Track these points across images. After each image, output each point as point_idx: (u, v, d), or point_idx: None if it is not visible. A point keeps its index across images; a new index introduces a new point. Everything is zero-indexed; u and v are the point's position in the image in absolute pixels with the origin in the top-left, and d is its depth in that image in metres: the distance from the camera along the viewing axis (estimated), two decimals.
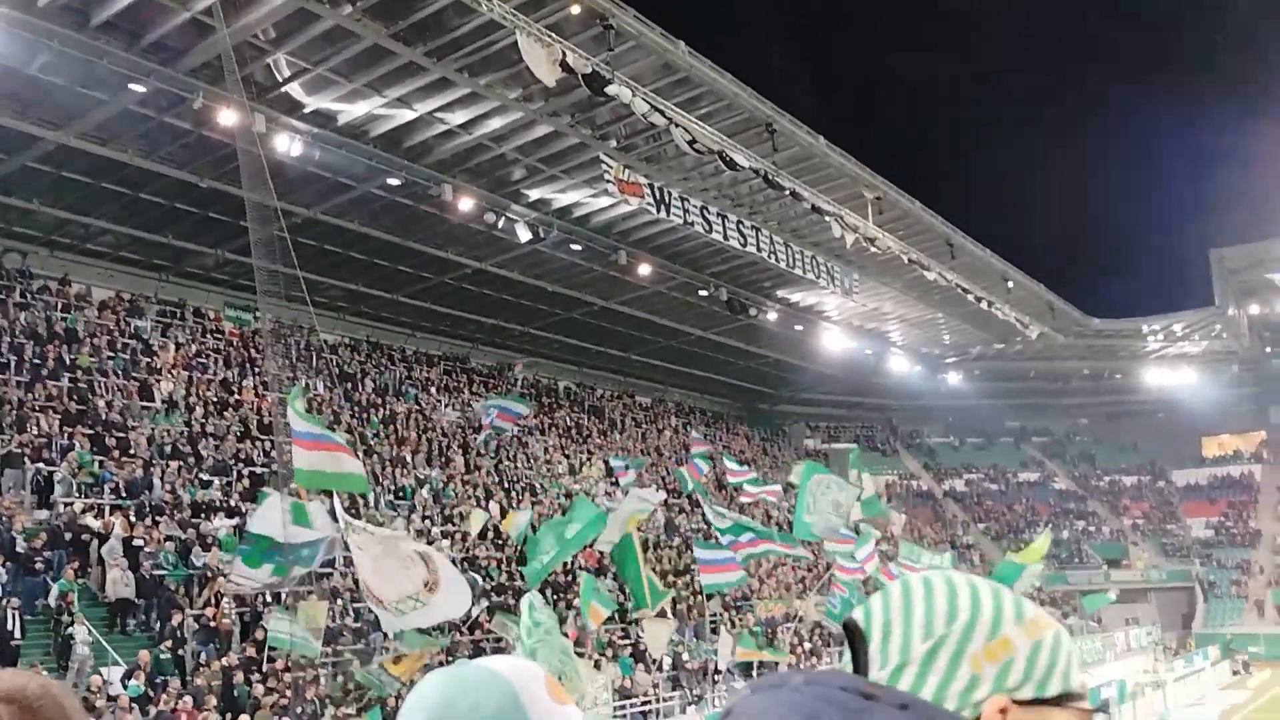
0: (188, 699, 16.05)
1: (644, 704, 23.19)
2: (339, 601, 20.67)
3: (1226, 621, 48.39)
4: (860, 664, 1.17)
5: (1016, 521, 55.30)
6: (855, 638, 1.18)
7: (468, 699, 1.21)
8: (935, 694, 1.12)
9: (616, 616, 24.43)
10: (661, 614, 23.90)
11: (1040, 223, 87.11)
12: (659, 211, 26.40)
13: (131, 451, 22.24)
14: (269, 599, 19.65)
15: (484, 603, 23.61)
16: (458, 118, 24.06)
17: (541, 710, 1.23)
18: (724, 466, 31.90)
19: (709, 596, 28.49)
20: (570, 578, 26.14)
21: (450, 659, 18.72)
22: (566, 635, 18.05)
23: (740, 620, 29.66)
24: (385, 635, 18.13)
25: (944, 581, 1.19)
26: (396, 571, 13.78)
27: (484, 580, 24.25)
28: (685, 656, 26.24)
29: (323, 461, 14.52)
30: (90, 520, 19.44)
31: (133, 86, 20.46)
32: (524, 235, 28.44)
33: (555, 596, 24.71)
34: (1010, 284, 39.93)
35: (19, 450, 20.31)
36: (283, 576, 16.96)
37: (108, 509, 20.17)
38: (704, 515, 27.15)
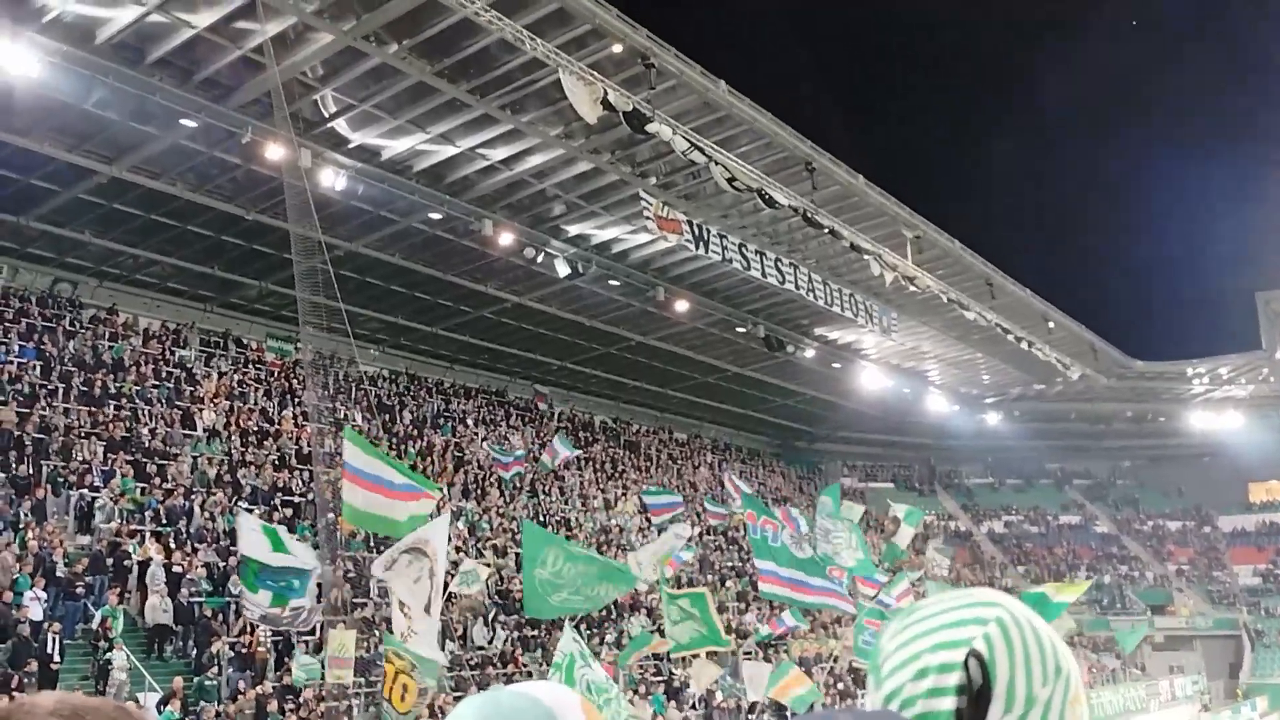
0: None
1: None
2: (376, 633, 20.67)
3: (1275, 671, 47.09)
4: (982, 700, 1.17)
5: (1057, 565, 54.27)
6: (982, 673, 1.18)
7: None
8: None
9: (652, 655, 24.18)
10: (712, 654, 23.50)
11: (1082, 262, 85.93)
12: (697, 248, 26.44)
13: (173, 479, 22.52)
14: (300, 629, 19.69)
15: (515, 634, 23.51)
16: (499, 154, 24.33)
17: None
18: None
19: (743, 636, 28.17)
20: (608, 612, 25.95)
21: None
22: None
23: (775, 659, 29.24)
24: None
25: (1044, 628, 1.23)
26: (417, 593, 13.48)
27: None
28: (719, 695, 25.92)
29: (375, 504, 14.40)
30: (130, 546, 19.67)
31: (184, 122, 20.94)
32: (563, 270, 28.60)
33: (590, 632, 24.56)
34: (1051, 324, 39.41)
35: (74, 478, 20.63)
36: (282, 607, 16.52)
37: (147, 535, 20.40)
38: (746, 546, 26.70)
